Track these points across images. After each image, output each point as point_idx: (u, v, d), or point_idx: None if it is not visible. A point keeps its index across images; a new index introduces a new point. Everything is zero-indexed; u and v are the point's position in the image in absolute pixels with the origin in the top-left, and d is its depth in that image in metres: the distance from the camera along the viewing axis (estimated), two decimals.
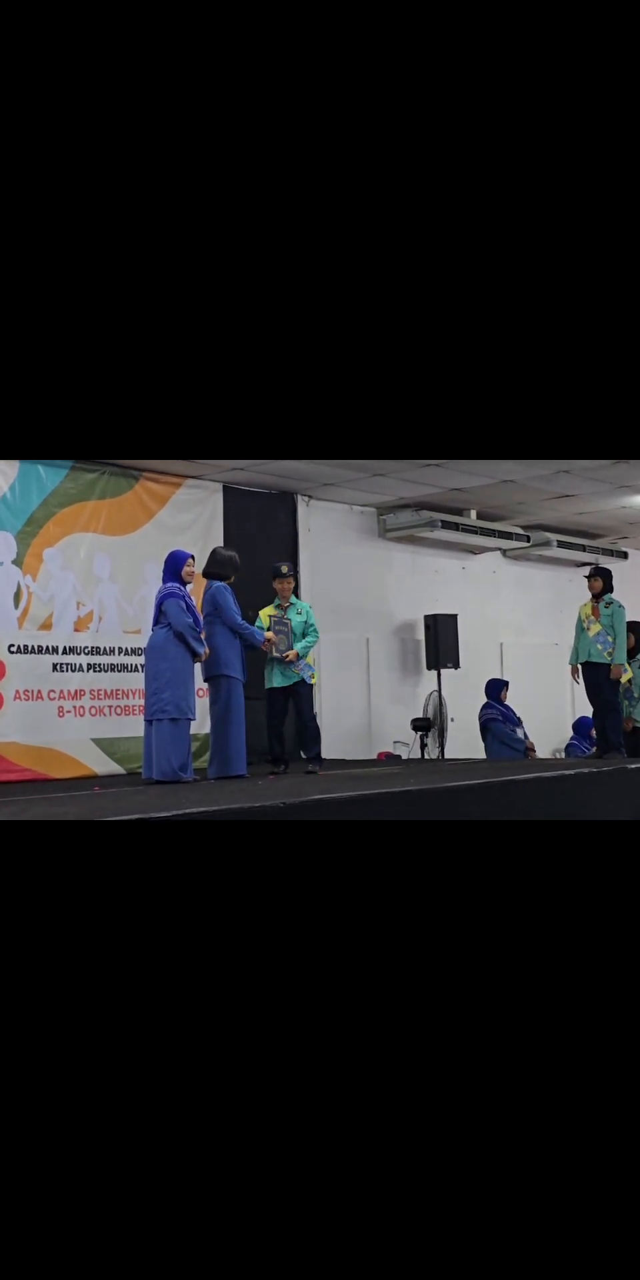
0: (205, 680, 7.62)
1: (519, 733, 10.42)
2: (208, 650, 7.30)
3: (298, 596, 8.35)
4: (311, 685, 8.17)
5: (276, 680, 7.89)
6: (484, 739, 10.37)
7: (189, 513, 9.33)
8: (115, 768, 8.52)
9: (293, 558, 10.24)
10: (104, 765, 8.49)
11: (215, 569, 7.68)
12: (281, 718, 8.01)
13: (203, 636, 7.27)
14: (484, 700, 10.48)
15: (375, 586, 10.99)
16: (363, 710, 10.84)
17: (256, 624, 7.76)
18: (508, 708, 10.51)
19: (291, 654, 7.83)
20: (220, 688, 7.50)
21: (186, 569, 7.35)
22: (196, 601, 7.53)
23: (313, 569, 10.38)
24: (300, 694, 8.00)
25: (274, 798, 5.72)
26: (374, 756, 10.42)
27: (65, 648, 8.43)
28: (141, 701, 7.69)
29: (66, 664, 8.44)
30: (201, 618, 7.37)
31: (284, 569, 8.11)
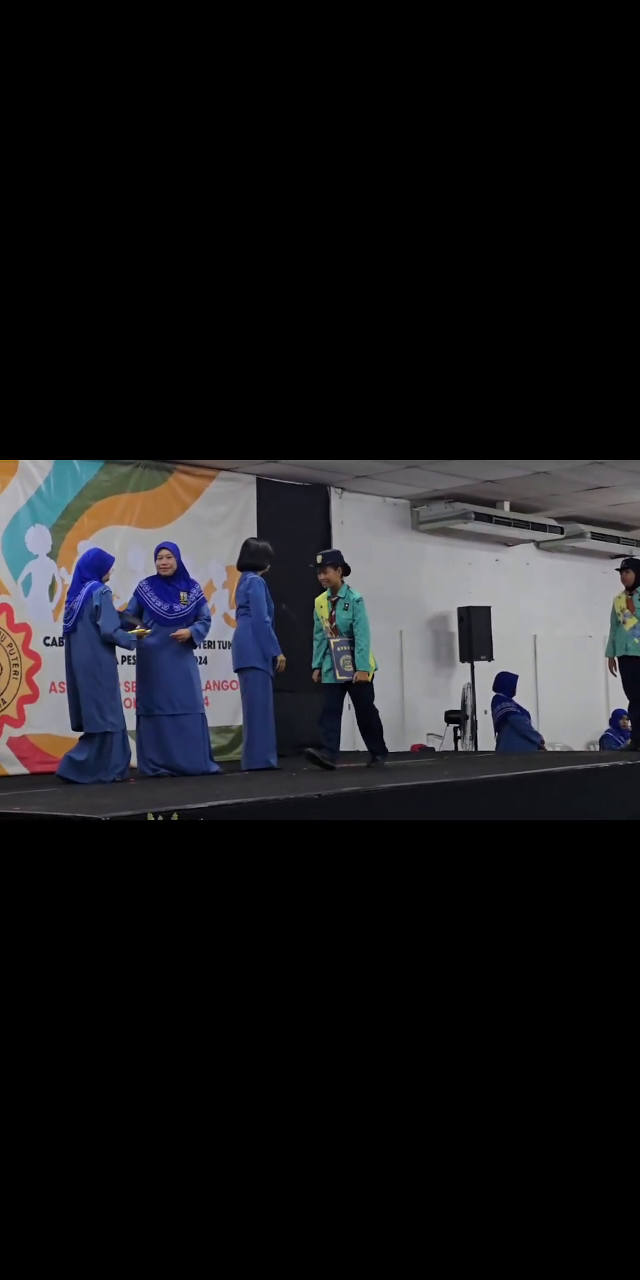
0: (236, 671, 7.66)
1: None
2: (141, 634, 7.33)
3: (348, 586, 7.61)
4: (365, 682, 7.40)
5: (326, 677, 7.47)
6: (499, 731, 10.33)
7: (222, 505, 9.35)
8: None
9: (325, 550, 10.23)
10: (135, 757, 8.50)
11: (249, 560, 7.71)
12: (332, 709, 7.52)
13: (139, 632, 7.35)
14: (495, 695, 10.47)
15: (408, 579, 10.97)
16: (396, 703, 10.82)
17: (315, 615, 7.44)
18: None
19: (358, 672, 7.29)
20: (248, 679, 7.53)
21: (158, 561, 7.42)
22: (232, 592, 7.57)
23: (346, 561, 10.35)
24: (352, 692, 7.50)
25: (304, 790, 5.73)
26: (408, 749, 10.41)
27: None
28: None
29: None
30: (180, 607, 7.42)
31: (318, 559, 7.63)
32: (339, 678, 7.30)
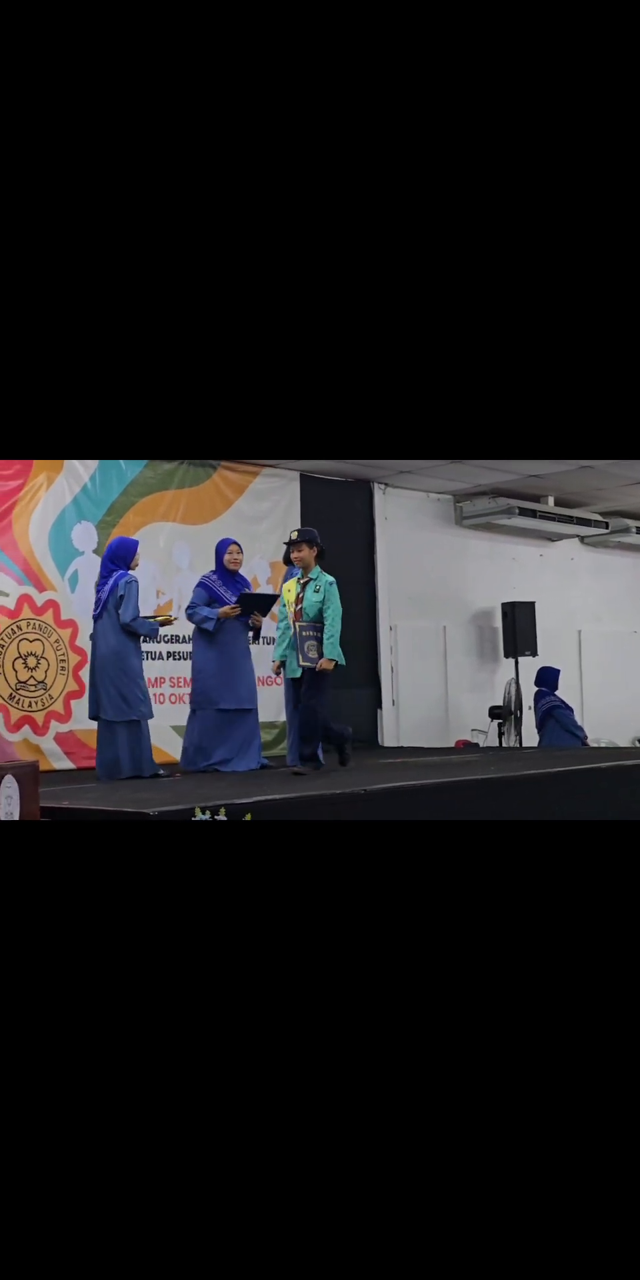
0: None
1: None
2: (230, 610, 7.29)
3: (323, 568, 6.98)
4: (325, 672, 6.62)
5: (289, 670, 6.86)
6: (543, 726, 10.29)
7: (266, 501, 9.38)
8: None
9: (369, 545, 10.27)
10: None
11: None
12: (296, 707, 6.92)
13: (223, 612, 7.32)
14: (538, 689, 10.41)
15: (452, 574, 10.95)
16: (440, 698, 10.82)
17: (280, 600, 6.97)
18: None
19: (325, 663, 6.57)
20: None
21: (229, 556, 7.40)
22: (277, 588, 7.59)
23: (389, 557, 10.37)
24: (308, 680, 6.68)
25: (354, 785, 5.74)
26: (452, 744, 10.39)
27: (144, 635, 8.50)
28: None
29: (146, 651, 8.49)
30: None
31: (292, 535, 6.92)
32: (302, 663, 6.59)
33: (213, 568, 8.00)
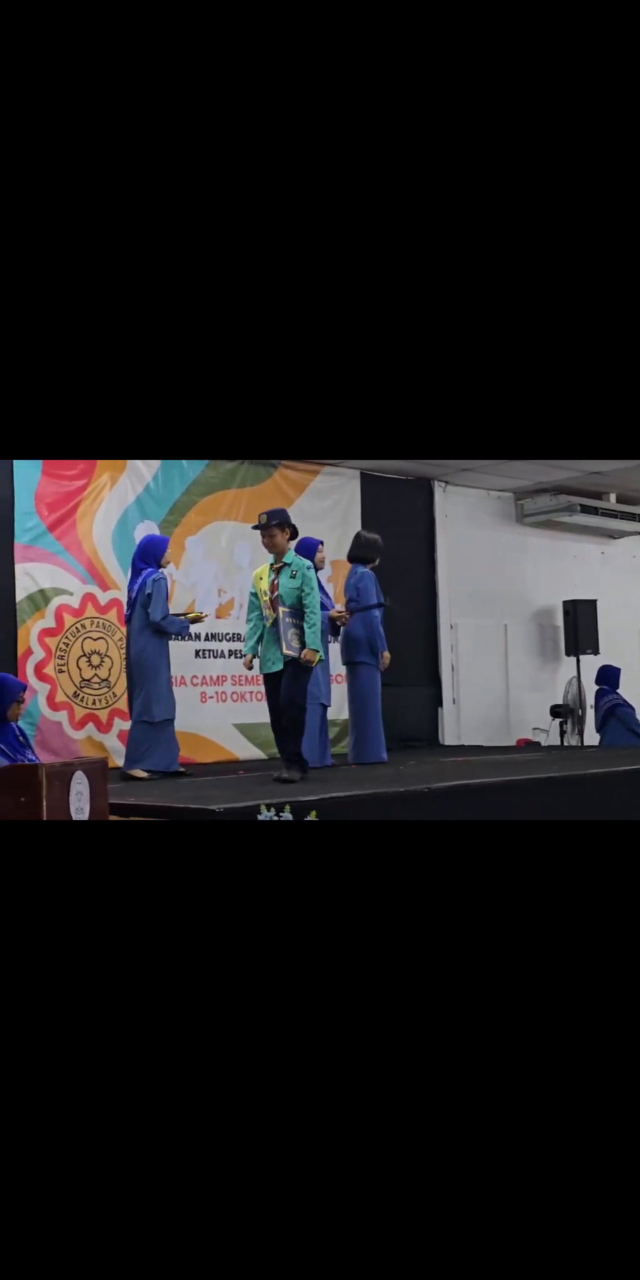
0: (344, 664, 7.70)
1: None
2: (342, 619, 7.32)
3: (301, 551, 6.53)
4: (308, 666, 6.11)
5: (264, 665, 6.26)
6: (604, 725, 10.20)
7: (326, 500, 9.39)
8: (256, 752, 8.64)
9: (429, 544, 10.25)
10: (245, 750, 8.61)
11: (359, 552, 7.74)
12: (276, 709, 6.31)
13: (332, 615, 7.33)
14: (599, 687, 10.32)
15: (513, 572, 10.90)
16: (501, 697, 10.78)
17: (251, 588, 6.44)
18: None
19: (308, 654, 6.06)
20: (357, 674, 7.56)
21: (318, 555, 7.40)
22: (339, 585, 7.60)
23: (450, 555, 10.35)
24: (289, 674, 6.13)
25: (418, 782, 5.74)
26: (513, 743, 10.35)
27: (207, 634, 8.58)
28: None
29: (208, 650, 8.59)
30: (332, 601, 7.44)
31: (261, 518, 6.32)
32: (285, 652, 6.04)
33: None
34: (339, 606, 7.61)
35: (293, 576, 6.10)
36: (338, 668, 7.93)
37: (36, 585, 7.63)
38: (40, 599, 7.64)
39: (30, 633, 7.61)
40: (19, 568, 7.57)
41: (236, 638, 8.72)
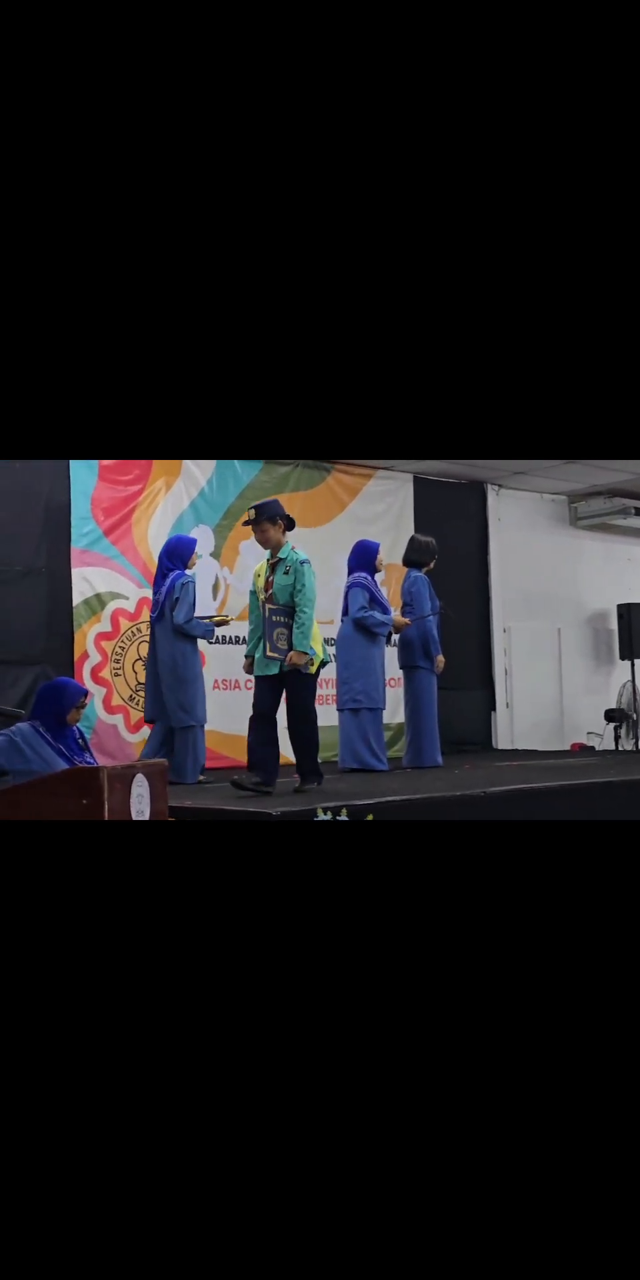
0: (401, 669, 7.71)
1: None
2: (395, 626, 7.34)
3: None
4: (300, 672, 5.74)
5: (258, 666, 5.90)
6: None
7: (380, 504, 9.40)
8: None
9: (483, 547, 10.22)
10: None
11: (414, 556, 7.74)
12: (264, 713, 5.97)
13: (396, 622, 7.34)
14: None
15: (567, 575, 10.85)
16: (555, 701, 10.72)
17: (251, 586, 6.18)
18: None
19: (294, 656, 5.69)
20: (413, 678, 7.56)
21: (378, 559, 7.42)
22: (393, 589, 7.60)
23: (503, 558, 10.31)
24: (287, 685, 5.84)
25: (474, 786, 5.73)
26: (567, 748, 10.29)
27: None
28: (333, 691, 7.80)
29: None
30: (389, 605, 7.43)
31: (250, 513, 5.96)
32: (269, 654, 5.70)
33: (329, 569, 8.05)
34: (396, 612, 7.61)
35: (286, 573, 5.71)
36: (393, 671, 7.93)
37: (93, 589, 7.70)
38: (96, 603, 7.71)
39: (86, 637, 7.68)
40: (76, 572, 7.65)
41: None
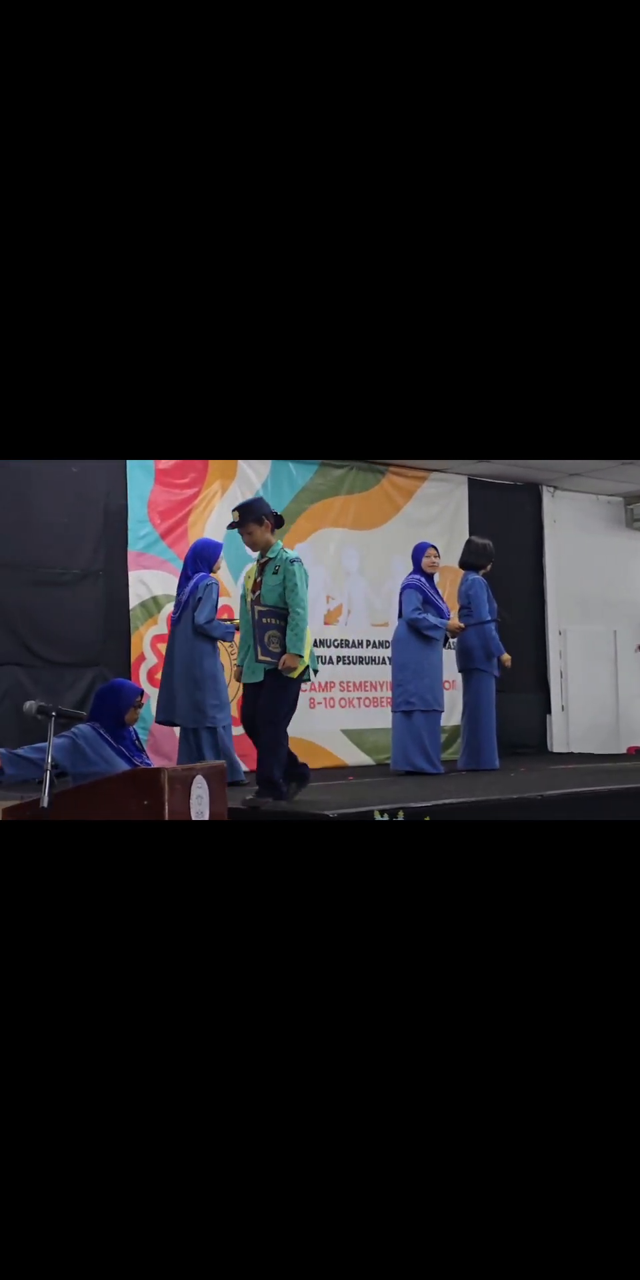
0: (460, 671, 7.69)
1: None
2: (450, 631, 7.33)
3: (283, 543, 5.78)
4: (289, 676, 5.39)
5: (247, 673, 5.56)
6: None
7: (434, 505, 9.39)
8: (364, 758, 8.67)
9: (538, 549, 10.17)
10: (353, 756, 8.65)
11: (470, 558, 7.72)
12: (251, 720, 5.62)
13: (451, 625, 7.33)
14: None
15: (623, 577, 10.75)
16: (610, 704, 10.63)
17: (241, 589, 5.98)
18: None
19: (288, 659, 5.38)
20: (472, 681, 7.54)
21: (427, 560, 7.40)
22: (448, 592, 7.59)
23: (558, 560, 10.26)
24: (268, 683, 5.47)
25: (529, 789, 5.72)
26: (623, 751, 10.21)
27: (316, 640, 8.56)
28: (389, 694, 7.81)
29: (317, 656, 8.59)
30: (446, 608, 7.42)
31: (234, 515, 5.62)
32: (261, 658, 5.35)
33: (384, 571, 8.09)
34: (454, 616, 7.60)
35: (275, 572, 5.42)
36: (449, 673, 7.92)
37: (149, 592, 7.76)
38: (153, 605, 7.77)
39: (143, 639, 7.74)
40: (133, 575, 7.71)
41: (345, 644, 8.77)
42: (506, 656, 7.54)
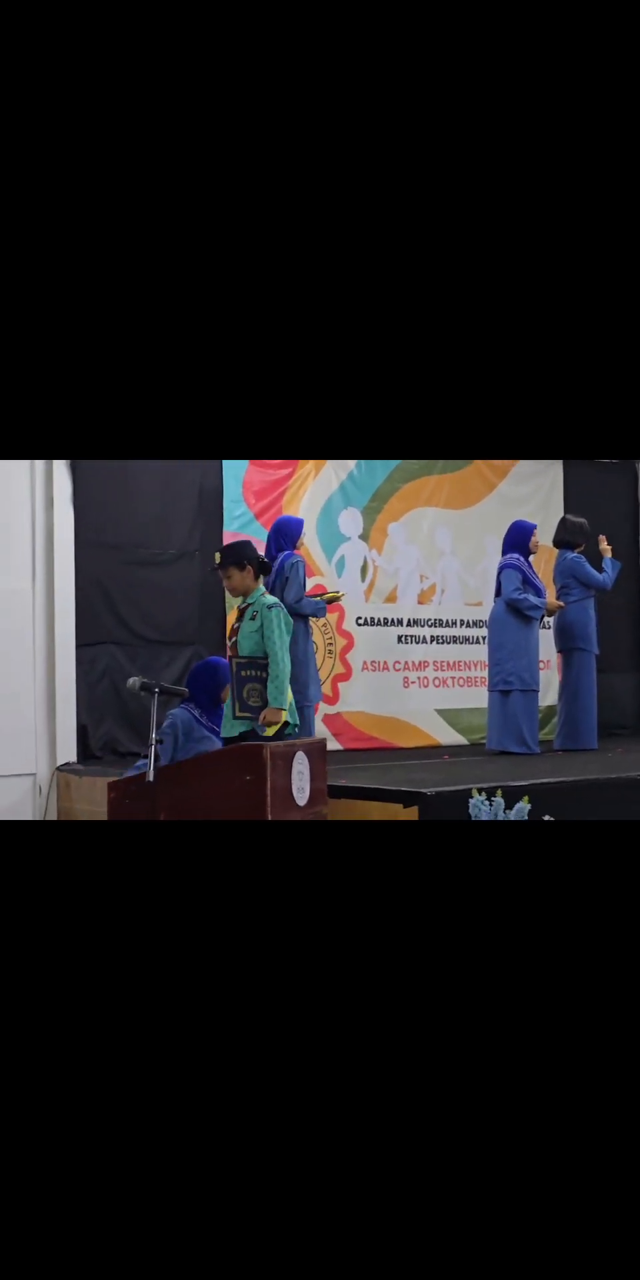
0: (559, 652, 7.63)
1: None
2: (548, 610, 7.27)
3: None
4: (275, 729, 4.81)
5: (225, 727, 4.99)
6: None
7: (528, 485, 9.31)
8: (458, 738, 8.66)
9: (634, 528, 10.03)
10: (447, 735, 8.65)
11: (566, 537, 7.64)
12: None
13: (550, 605, 7.27)
14: None
15: None
16: None
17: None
18: None
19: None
20: (572, 660, 7.47)
21: (533, 540, 7.35)
22: (542, 571, 7.53)
23: None
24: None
25: (627, 769, 5.66)
26: None
27: (409, 620, 8.64)
28: (483, 673, 7.77)
29: (410, 636, 8.65)
30: (543, 587, 7.35)
31: (215, 558, 5.24)
32: (239, 714, 4.81)
33: (478, 551, 8.03)
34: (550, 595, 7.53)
35: (253, 619, 4.99)
36: (545, 653, 7.87)
37: None
38: None
39: None
40: None
41: (439, 623, 8.76)
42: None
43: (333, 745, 8.00)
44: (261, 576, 5.11)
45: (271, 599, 5.05)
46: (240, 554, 5.11)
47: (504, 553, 7.35)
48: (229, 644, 5.14)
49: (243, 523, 7.84)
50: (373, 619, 8.43)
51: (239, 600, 5.12)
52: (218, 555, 5.18)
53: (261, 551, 6.98)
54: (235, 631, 5.04)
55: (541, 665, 7.55)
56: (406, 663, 8.60)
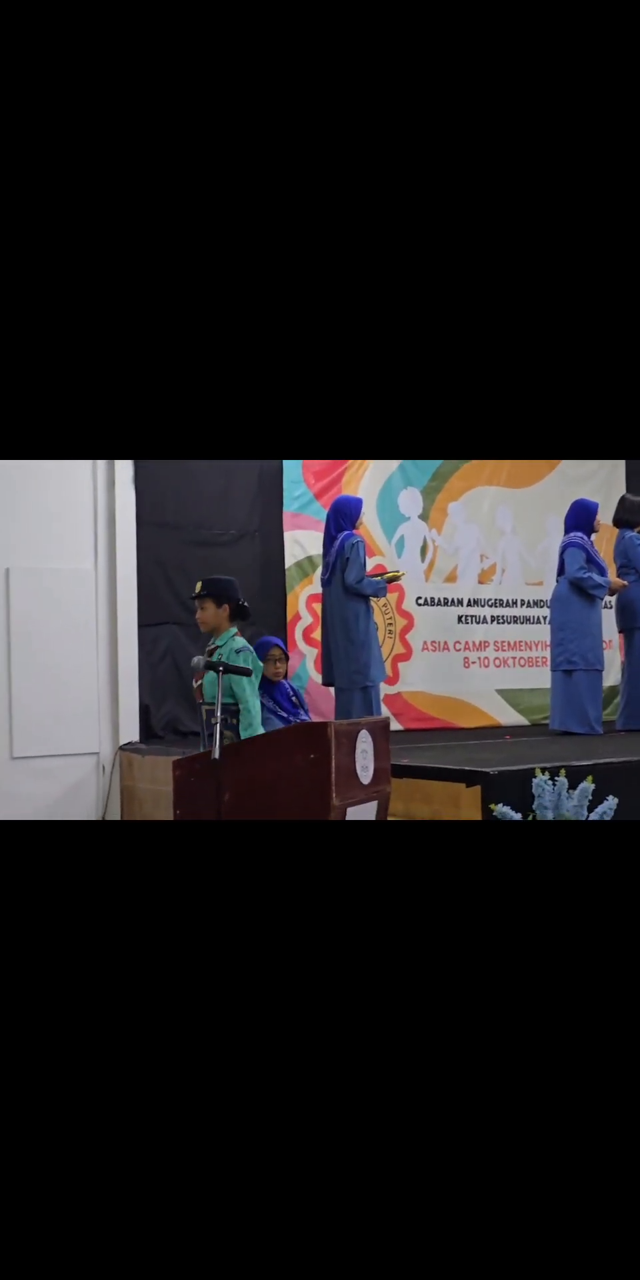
0: (620, 632, 7.57)
1: None
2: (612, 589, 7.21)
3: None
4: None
5: None
6: None
7: (590, 463, 9.22)
8: (519, 718, 8.62)
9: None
10: (508, 716, 8.61)
11: (626, 516, 7.57)
12: None
13: (613, 584, 7.21)
14: None
15: None
16: None
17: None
18: None
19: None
20: (633, 639, 7.40)
21: (597, 519, 7.29)
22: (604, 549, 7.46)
23: None
24: None
25: None
26: None
27: (469, 600, 8.60)
28: (544, 653, 7.71)
29: (471, 616, 8.61)
30: (606, 566, 7.29)
31: (197, 587, 4.97)
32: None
33: (538, 531, 7.97)
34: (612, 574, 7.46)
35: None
36: (608, 633, 7.80)
37: (304, 552, 7.84)
38: (308, 565, 7.84)
39: (298, 599, 7.83)
40: (288, 535, 7.80)
41: (499, 603, 8.72)
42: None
43: (394, 726, 8.01)
44: (237, 620, 4.89)
45: (240, 643, 4.79)
46: (223, 591, 4.88)
47: (567, 531, 7.30)
48: (194, 686, 4.91)
49: (302, 503, 7.85)
50: (433, 599, 8.41)
51: (209, 639, 4.91)
52: (199, 584, 4.96)
53: (322, 530, 7.04)
54: (199, 675, 4.73)
55: (604, 645, 7.50)
56: (467, 643, 8.57)
